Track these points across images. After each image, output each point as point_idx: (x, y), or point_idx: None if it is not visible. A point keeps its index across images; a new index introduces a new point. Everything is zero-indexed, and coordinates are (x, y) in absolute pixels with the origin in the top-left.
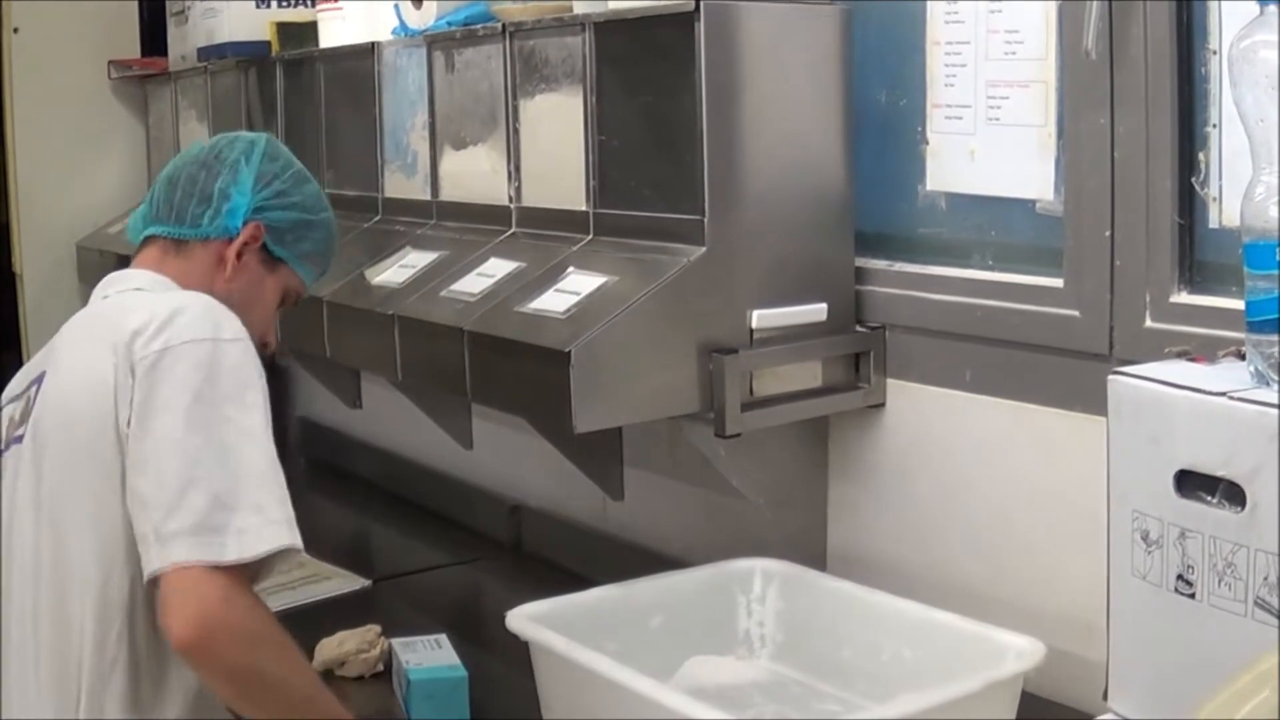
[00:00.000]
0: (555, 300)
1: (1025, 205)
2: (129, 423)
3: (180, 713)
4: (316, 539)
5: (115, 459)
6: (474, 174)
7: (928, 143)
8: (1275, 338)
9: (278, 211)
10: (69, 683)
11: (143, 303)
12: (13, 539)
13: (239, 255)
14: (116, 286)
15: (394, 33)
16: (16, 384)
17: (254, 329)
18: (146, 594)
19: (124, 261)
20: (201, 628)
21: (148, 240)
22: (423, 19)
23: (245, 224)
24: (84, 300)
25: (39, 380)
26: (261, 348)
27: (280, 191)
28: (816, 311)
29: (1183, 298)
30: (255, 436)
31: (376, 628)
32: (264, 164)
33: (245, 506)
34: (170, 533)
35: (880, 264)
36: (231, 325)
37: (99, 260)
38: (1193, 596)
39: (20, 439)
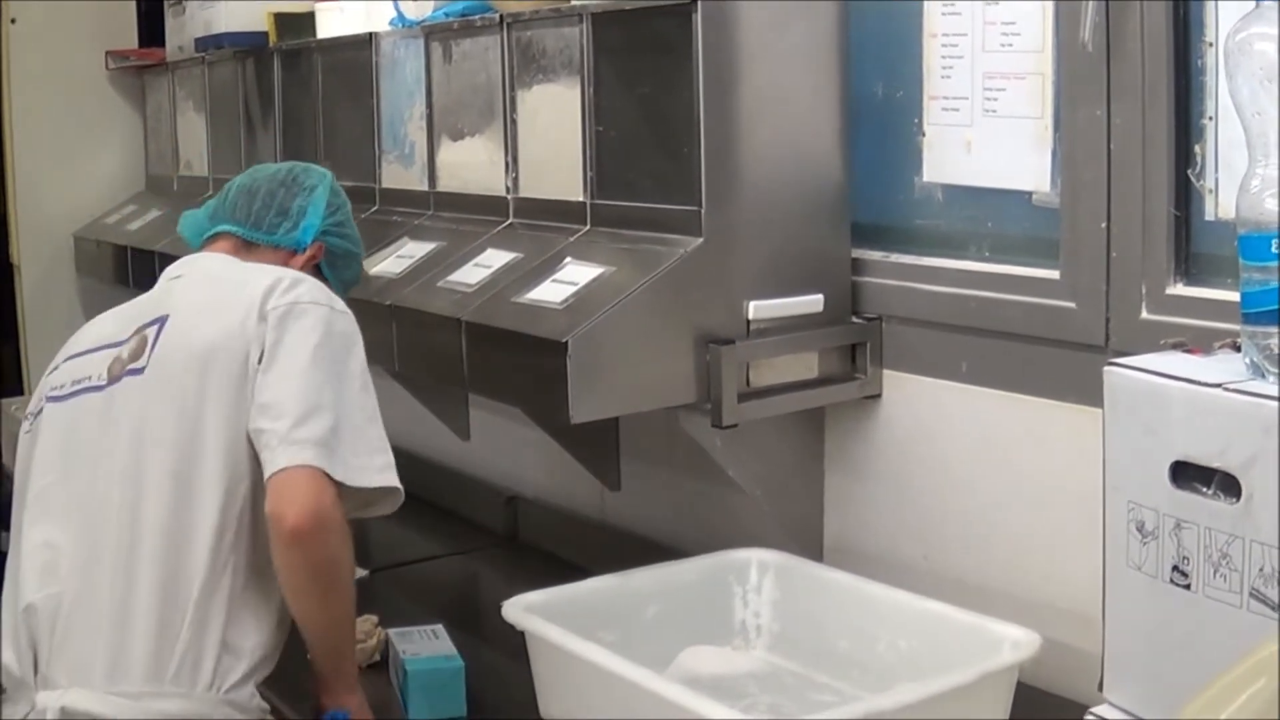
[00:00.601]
0: (552, 291)
1: (1021, 197)
2: (260, 358)
3: (268, 630)
4: None
5: (244, 387)
6: (471, 165)
7: (924, 134)
8: (1271, 329)
9: (337, 238)
10: (183, 585)
11: (265, 270)
12: (144, 453)
13: (302, 268)
14: (200, 264)
15: (392, 23)
16: (113, 331)
17: None
18: (258, 509)
19: (121, 252)
20: (315, 518)
21: (215, 236)
22: (420, 10)
23: (313, 242)
24: (82, 291)
25: (158, 323)
26: None
27: (341, 222)
28: (813, 302)
29: (1178, 289)
30: (361, 389)
31: (373, 618)
32: (331, 196)
33: (353, 442)
34: (300, 439)
35: (877, 255)
36: (341, 301)
37: (96, 251)
38: (1188, 588)
39: (139, 370)
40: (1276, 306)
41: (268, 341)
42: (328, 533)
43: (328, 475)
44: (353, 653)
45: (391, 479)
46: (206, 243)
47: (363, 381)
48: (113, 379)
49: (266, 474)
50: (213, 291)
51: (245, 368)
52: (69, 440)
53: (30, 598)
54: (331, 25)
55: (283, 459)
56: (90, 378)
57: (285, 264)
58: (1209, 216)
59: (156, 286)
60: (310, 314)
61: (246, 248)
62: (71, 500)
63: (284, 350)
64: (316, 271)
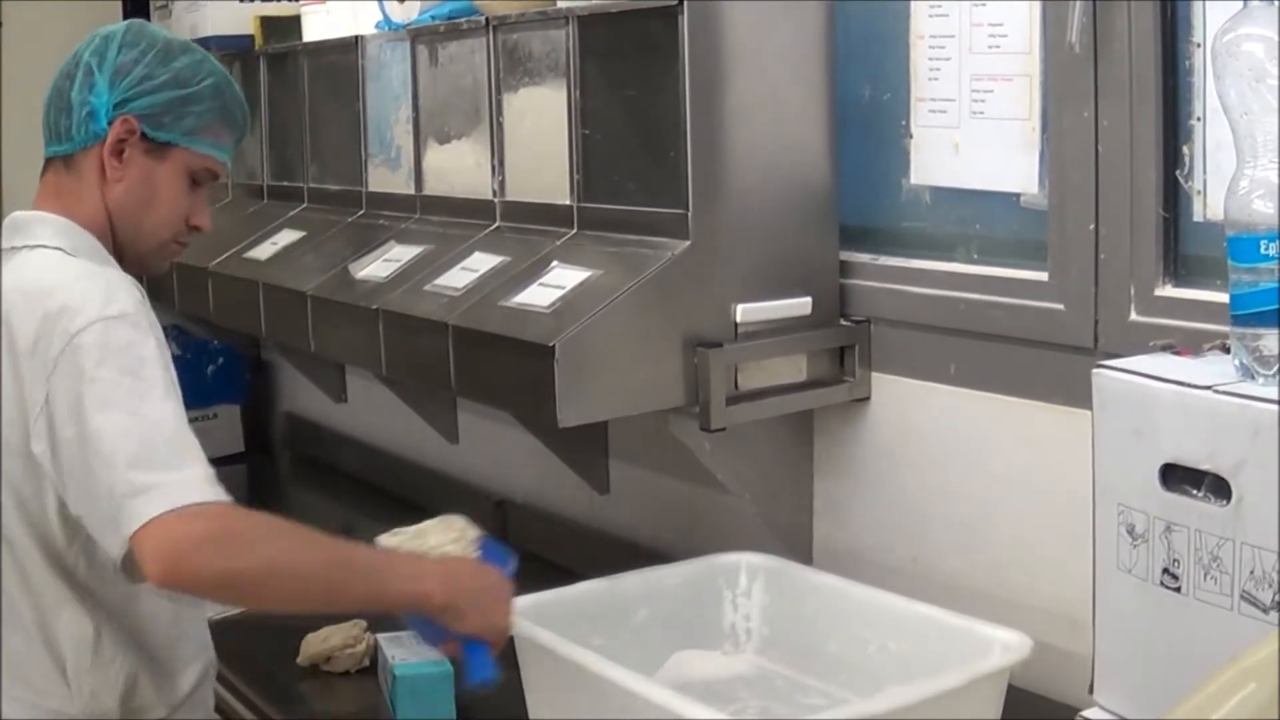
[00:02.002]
0: (539, 294)
1: (1009, 199)
2: (47, 446)
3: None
4: None
5: (30, 479)
6: (458, 168)
7: (912, 136)
8: (1260, 331)
9: (145, 98)
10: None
11: (34, 291)
12: None
13: (118, 154)
14: (23, 238)
15: (378, 26)
16: None
17: (163, 225)
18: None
19: None
20: (168, 561)
21: (45, 165)
22: (406, 13)
23: (112, 122)
24: None
25: None
26: (194, 231)
27: (143, 77)
28: (801, 305)
29: (1167, 291)
30: (161, 397)
31: (362, 623)
32: (122, 55)
33: (160, 467)
34: (111, 515)
35: (865, 258)
36: (120, 299)
37: None
38: (1178, 590)
39: None
40: (1266, 308)
41: (53, 421)
42: (195, 559)
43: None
44: (367, 578)
45: (210, 492)
46: (42, 173)
47: (164, 387)
48: None
49: (117, 564)
50: (4, 350)
51: (30, 459)
52: None
53: None
54: (317, 28)
55: (113, 546)
56: None
57: (103, 161)
58: (1197, 218)
59: None
60: (78, 352)
61: (67, 166)
62: None
63: (64, 425)
64: (148, 144)
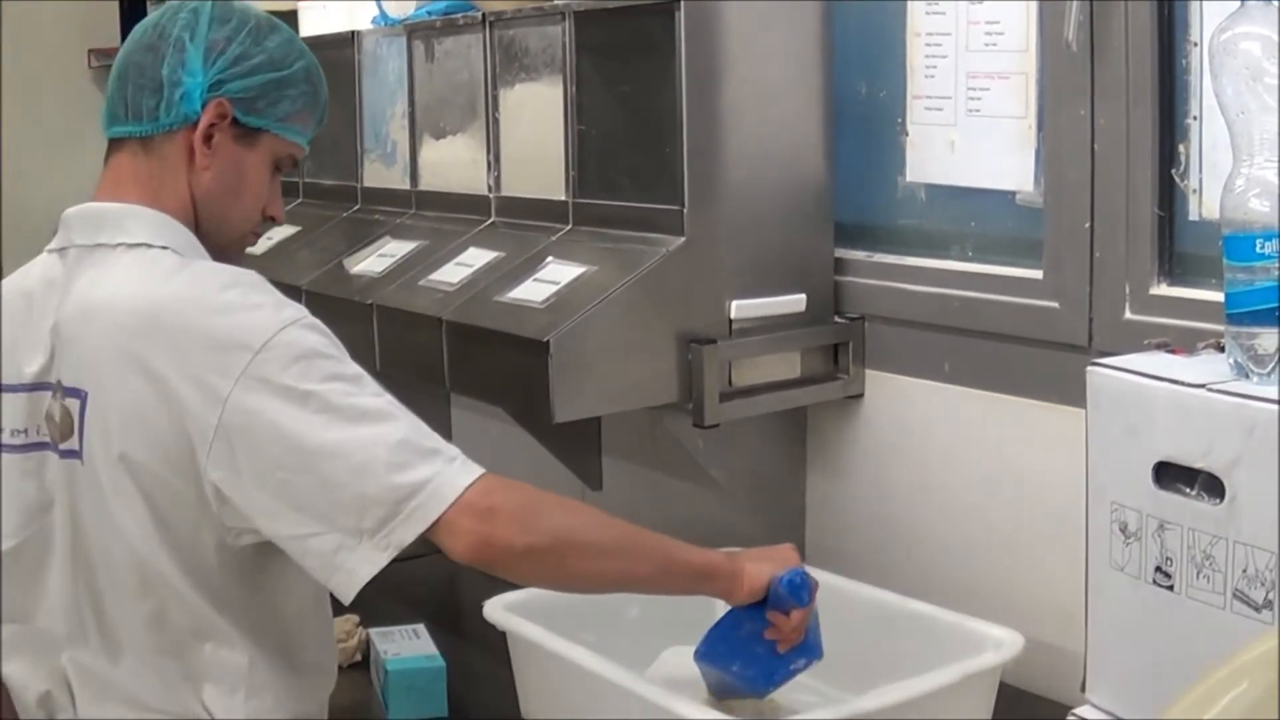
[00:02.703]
0: (534, 290)
1: (1005, 197)
2: (230, 472)
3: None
4: None
5: (187, 503)
6: (453, 163)
7: (908, 134)
8: (1255, 330)
9: (239, 80)
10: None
11: (176, 303)
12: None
13: (207, 140)
14: (112, 234)
15: (374, 22)
16: (26, 359)
17: (248, 216)
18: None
19: None
20: (479, 535)
21: (114, 145)
22: (403, 8)
23: (205, 105)
24: None
25: (79, 398)
26: (269, 222)
27: (238, 57)
28: (795, 302)
29: (1162, 289)
30: (382, 404)
31: (354, 618)
32: (213, 32)
33: (427, 457)
34: (373, 526)
35: (859, 255)
36: (285, 301)
37: None
38: (1171, 589)
39: (77, 454)
40: (1261, 306)
41: (240, 451)
42: (503, 535)
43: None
44: (685, 565)
45: (475, 468)
46: (108, 153)
47: (362, 378)
48: (60, 446)
49: (359, 579)
50: (128, 362)
51: (198, 482)
52: (27, 505)
53: None
54: (314, 24)
55: (378, 557)
56: (39, 429)
57: (190, 147)
58: (1193, 216)
59: (57, 259)
60: (266, 372)
61: (145, 149)
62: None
63: (272, 443)
64: (238, 129)
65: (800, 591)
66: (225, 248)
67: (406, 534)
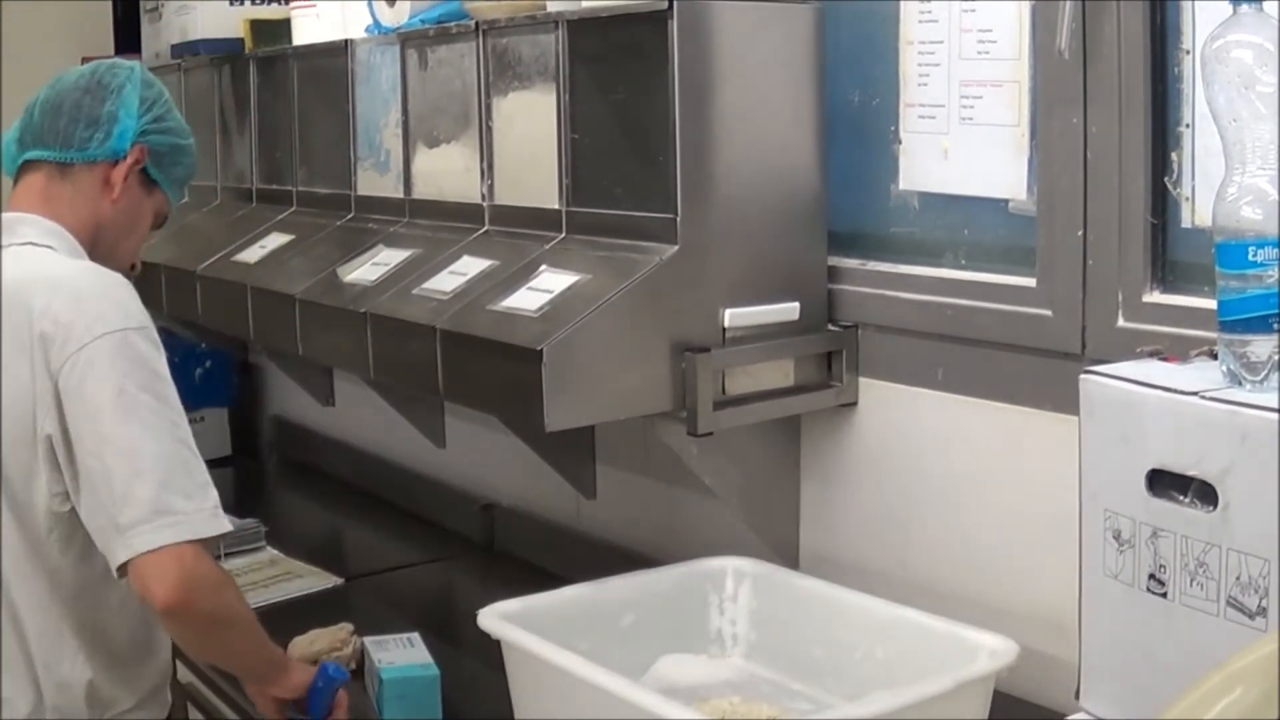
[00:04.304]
0: (527, 298)
1: (998, 204)
2: (58, 427)
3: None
4: (289, 537)
5: (26, 463)
6: (447, 172)
7: (900, 142)
8: (1248, 337)
9: (157, 135)
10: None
11: (45, 282)
12: None
13: (125, 177)
14: (8, 236)
15: (367, 30)
16: None
17: (131, 253)
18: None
19: None
20: (182, 589)
21: (27, 167)
22: (396, 16)
23: (133, 146)
24: None
25: None
26: (129, 271)
27: (159, 116)
28: (789, 310)
29: (1155, 297)
30: (174, 425)
31: (349, 626)
32: (144, 90)
33: (183, 492)
34: (126, 524)
35: (853, 263)
36: (136, 311)
37: None
38: (1165, 596)
39: None
40: (1253, 314)
41: (66, 413)
42: (200, 596)
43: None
44: (267, 653)
45: (222, 524)
46: (19, 174)
47: (172, 404)
48: None
49: (112, 565)
50: (4, 329)
51: (34, 439)
52: None
53: None
54: (307, 32)
55: (122, 552)
56: None
57: (106, 179)
58: (1186, 224)
59: None
60: (101, 354)
61: (61, 174)
62: None
63: (83, 416)
64: (143, 176)
65: (342, 672)
66: None
67: (119, 550)
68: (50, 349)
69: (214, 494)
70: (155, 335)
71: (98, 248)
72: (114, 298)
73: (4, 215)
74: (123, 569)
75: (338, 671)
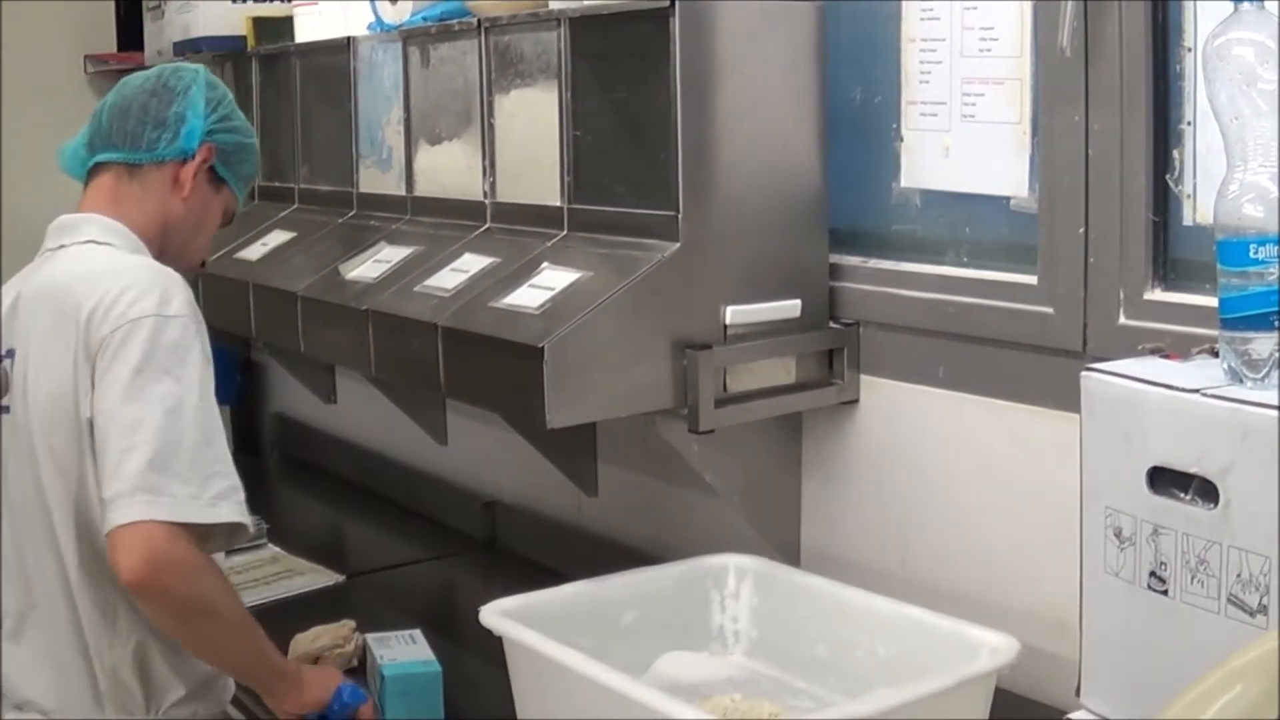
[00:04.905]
0: (529, 296)
1: (999, 202)
2: (92, 409)
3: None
4: (291, 534)
5: (74, 446)
6: (449, 169)
7: (902, 139)
8: (1249, 335)
9: (224, 134)
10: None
11: (95, 273)
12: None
13: (194, 176)
14: (71, 236)
15: (370, 28)
16: None
17: (201, 250)
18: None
19: None
20: (147, 566)
21: (97, 170)
22: (398, 14)
23: (201, 145)
24: None
25: (11, 357)
26: (199, 269)
27: (224, 116)
28: (790, 308)
29: (1156, 294)
30: (189, 410)
31: (351, 623)
32: (209, 91)
33: (177, 474)
34: (110, 497)
35: (854, 260)
36: (178, 300)
37: None
38: (1166, 593)
39: (6, 410)
40: (1255, 312)
41: (93, 385)
42: (167, 577)
43: (152, 520)
44: (269, 661)
45: (226, 513)
46: (89, 177)
47: (200, 394)
48: None
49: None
50: (48, 318)
51: (76, 423)
52: None
53: None
54: (309, 29)
55: (109, 518)
56: None
57: (176, 178)
58: (1187, 222)
59: (33, 264)
60: (130, 336)
61: (130, 175)
62: None
63: (101, 392)
64: (211, 175)
65: (359, 694)
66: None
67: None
68: (90, 334)
69: (220, 486)
70: (198, 328)
71: (168, 246)
72: (157, 286)
73: (69, 217)
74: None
75: (354, 695)
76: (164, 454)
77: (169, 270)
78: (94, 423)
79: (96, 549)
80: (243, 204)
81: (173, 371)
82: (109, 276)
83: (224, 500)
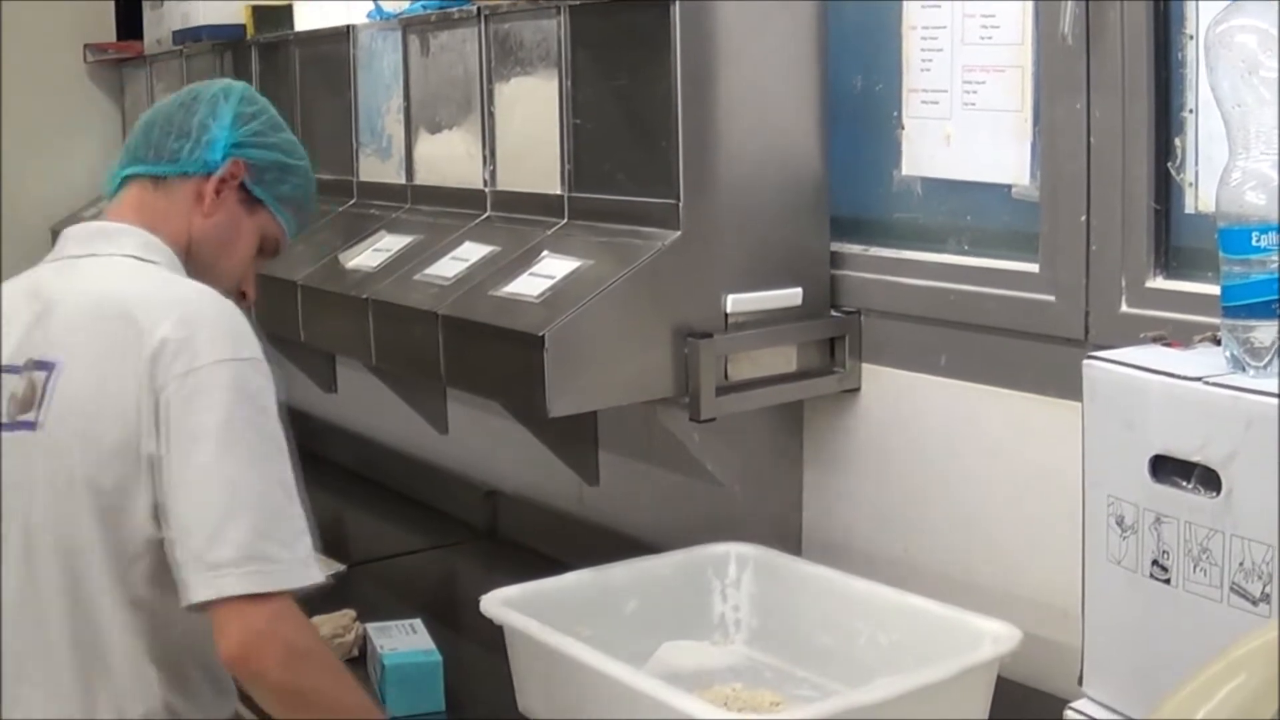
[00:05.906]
0: (529, 284)
1: (1001, 190)
2: (158, 447)
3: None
4: None
5: (137, 479)
6: (449, 158)
7: (903, 128)
8: (1251, 323)
9: (256, 150)
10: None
11: (158, 299)
12: (31, 526)
13: (218, 190)
14: (104, 245)
15: (369, 16)
16: (6, 348)
17: (231, 274)
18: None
19: None
20: (248, 648)
21: (126, 182)
22: (398, 2)
23: (225, 159)
24: None
25: (47, 371)
26: (240, 298)
27: (258, 131)
28: (791, 296)
29: (1158, 283)
30: (280, 466)
31: (351, 612)
32: (242, 105)
33: (278, 539)
34: (215, 562)
35: (855, 249)
36: (249, 341)
37: None
38: (1168, 582)
39: (31, 425)
40: (1257, 300)
41: (167, 425)
42: (269, 660)
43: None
44: None
45: (315, 575)
46: (117, 191)
47: (278, 444)
48: (8, 421)
49: (183, 602)
50: (104, 339)
51: (138, 458)
52: None
53: None
54: (309, 18)
55: (204, 590)
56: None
57: (199, 193)
58: (1189, 210)
59: (50, 267)
60: (215, 381)
61: (155, 187)
62: None
63: (187, 438)
64: (244, 194)
65: None
66: None
67: (197, 587)
68: (157, 366)
69: (308, 541)
70: (267, 369)
71: (192, 263)
72: (230, 325)
73: (105, 224)
74: (199, 605)
75: None
76: (267, 518)
77: (227, 300)
78: (166, 469)
79: (130, 595)
80: (293, 233)
81: (255, 422)
82: (176, 306)
83: (311, 558)
